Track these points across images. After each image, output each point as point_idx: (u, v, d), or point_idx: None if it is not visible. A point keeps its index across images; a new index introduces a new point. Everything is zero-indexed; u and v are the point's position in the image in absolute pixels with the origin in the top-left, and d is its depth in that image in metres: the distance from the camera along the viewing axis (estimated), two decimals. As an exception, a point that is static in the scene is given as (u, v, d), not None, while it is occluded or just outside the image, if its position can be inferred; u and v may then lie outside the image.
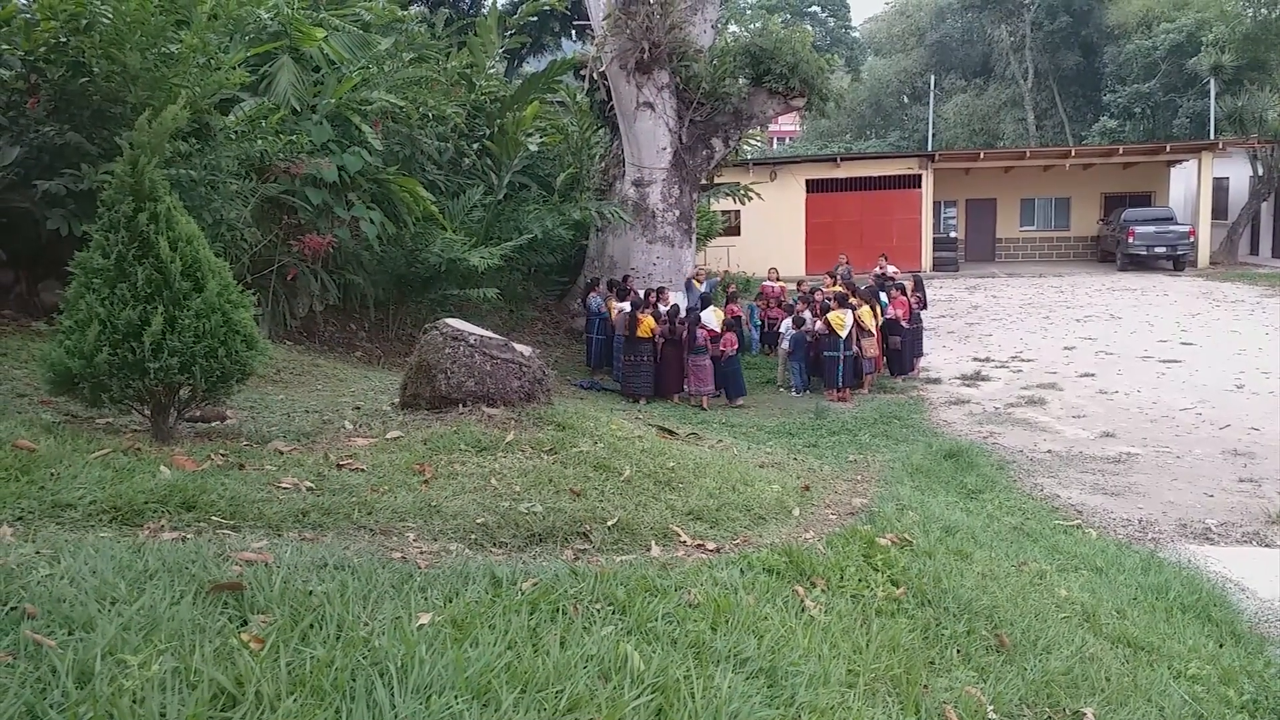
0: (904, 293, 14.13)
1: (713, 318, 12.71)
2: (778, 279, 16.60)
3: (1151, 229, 26.64)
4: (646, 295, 13.31)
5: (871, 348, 12.83)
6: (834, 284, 14.19)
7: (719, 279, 16.70)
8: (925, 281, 17.43)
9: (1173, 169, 30.41)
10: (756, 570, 3.64)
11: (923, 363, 14.60)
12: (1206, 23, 34.30)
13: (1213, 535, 7.15)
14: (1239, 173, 29.10)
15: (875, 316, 13.07)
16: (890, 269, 16.04)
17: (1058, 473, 8.91)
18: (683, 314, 12.84)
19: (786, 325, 13.35)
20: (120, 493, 3.82)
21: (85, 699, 1.85)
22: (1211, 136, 30.42)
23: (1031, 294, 23.04)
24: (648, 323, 12.34)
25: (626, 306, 12.96)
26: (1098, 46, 43.05)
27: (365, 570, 2.89)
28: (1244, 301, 20.42)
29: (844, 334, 12.24)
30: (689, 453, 6.72)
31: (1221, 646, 4.81)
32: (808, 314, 13.00)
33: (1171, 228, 26.67)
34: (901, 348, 13.68)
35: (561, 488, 5.23)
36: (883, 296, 13.89)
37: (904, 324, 13.64)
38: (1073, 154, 29.68)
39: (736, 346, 12.73)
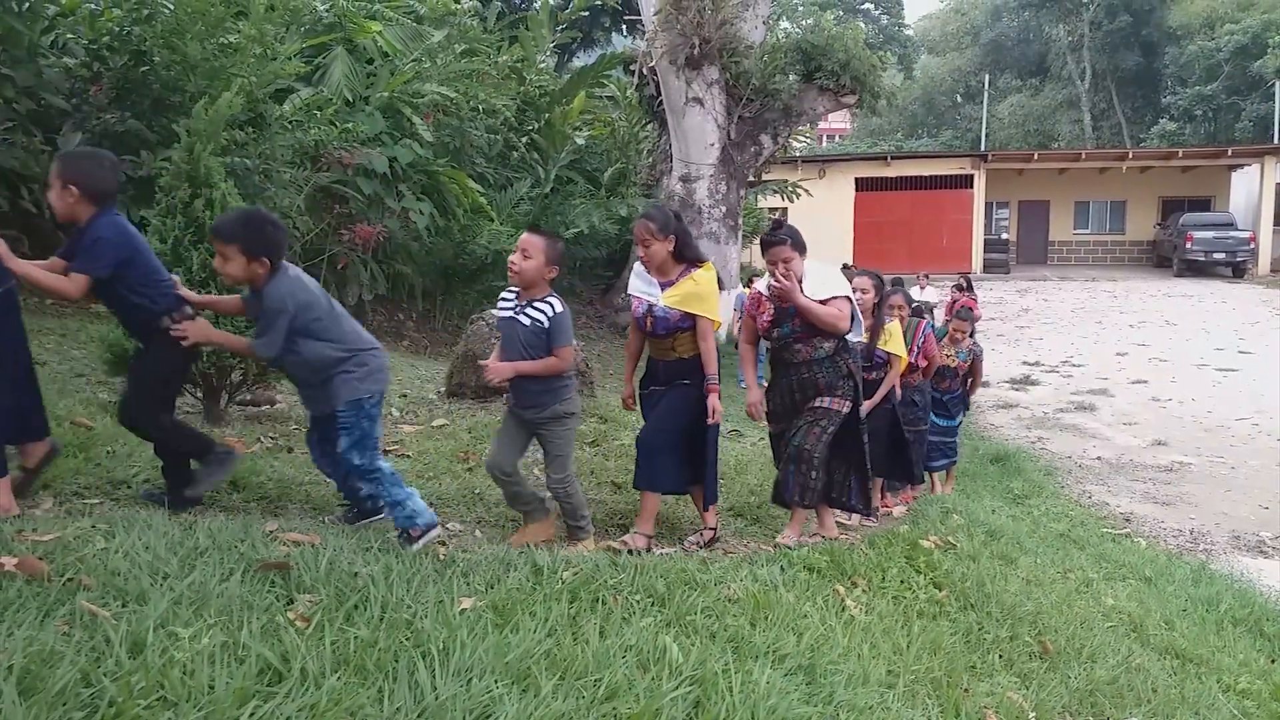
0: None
1: None
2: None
3: (1210, 234, 26.00)
4: None
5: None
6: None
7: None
8: (975, 283, 17.19)
9: (1234, 173, 29.64)
10: (797, 568, 3.62)
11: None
12: (1273, 24, 33.42)
13: (1267, 548, 6.97)
14: (1304, 178, 28.32)
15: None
16: (925, 294, 15.57)
17: (1107, 480, 8.75)
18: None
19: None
20: (173, 472, 3.89)
21: (138, 669, 1.90)
22: (1275, 140, 29.61)
23: (1084, 298, 22.63)
24: None
25: None
26: (1159, 47, 42.10)
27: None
28: (1306, 310, 19.89)
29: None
30: (730, 449, 6.70)
31: (1274, 662, 4.70)
32: None
33: (1231, 233, 26.00)
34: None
35: (603, 480, 5.26)
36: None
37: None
38: (1130, 156, 29.07)
39: None
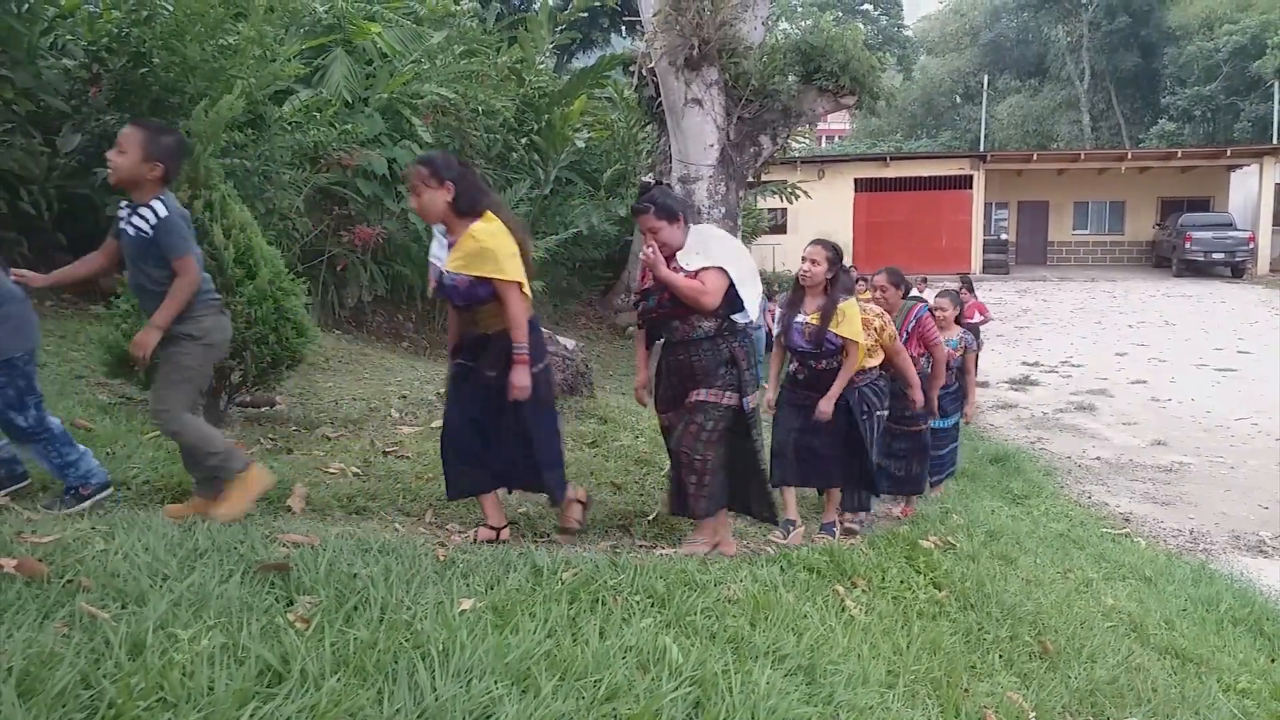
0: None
1: None
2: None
3: (1209, 234, 25.98)
4: None
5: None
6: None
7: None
8: (975, 284, 17.17)
9: (1233, 173, 29.62)
10: (797, 568, 3.62)
11: (969, 366, 14.37)
12: (1272, 24, 33.42)
13: (1267, 548, 6.97)
14: (1303, 178, 28.30)
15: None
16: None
17: (1106, 480, 8.75)
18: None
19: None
20: (172, 473, 3.91)
21: (137, 670, 1.90)
22: (1274, 141, 29.61)
23: (1083, 299, 22.62)
24: None
25: None
26: (1157, 48, 42.09)
27: (408, 555, 2.92)
28: (1305, 310, 19.88)
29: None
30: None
31: (1274, 661, 4.70)
32: None
33: (1230, 234, 25.98)
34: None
35: (603, 480, 5.25)
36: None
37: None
38: (1129, 157, 29.05)
39: None
